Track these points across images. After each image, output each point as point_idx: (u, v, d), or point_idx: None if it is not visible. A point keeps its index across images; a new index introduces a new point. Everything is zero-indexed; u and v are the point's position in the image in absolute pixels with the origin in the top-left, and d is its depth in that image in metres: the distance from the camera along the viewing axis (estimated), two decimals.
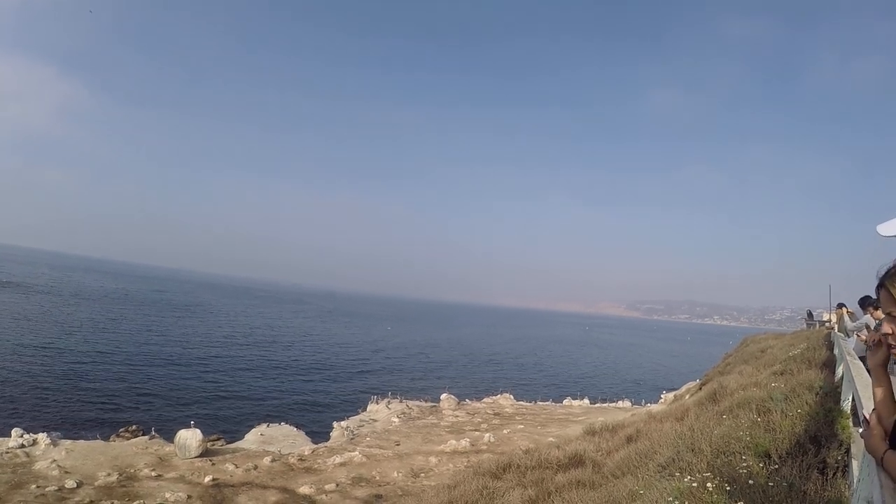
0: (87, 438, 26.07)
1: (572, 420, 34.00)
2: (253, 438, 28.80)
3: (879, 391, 2.40)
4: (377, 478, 22.38)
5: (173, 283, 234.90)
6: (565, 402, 45.30)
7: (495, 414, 36.84)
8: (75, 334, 60.79)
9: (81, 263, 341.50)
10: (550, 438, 25.65)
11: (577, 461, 12.48)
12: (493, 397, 43.53)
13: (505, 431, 30.54)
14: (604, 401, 47.19)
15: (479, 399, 42.98)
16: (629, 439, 13.43)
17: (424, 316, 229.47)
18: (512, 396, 43.93)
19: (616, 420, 20.23)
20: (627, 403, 44.16)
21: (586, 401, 45.56)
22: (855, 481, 3.72)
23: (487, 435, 28.78)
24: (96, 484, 20.08)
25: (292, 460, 24.12)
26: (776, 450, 6.06)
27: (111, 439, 28.19)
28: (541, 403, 43.85)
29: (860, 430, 2.83)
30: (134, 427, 32.06)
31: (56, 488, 19.20)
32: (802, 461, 5.37)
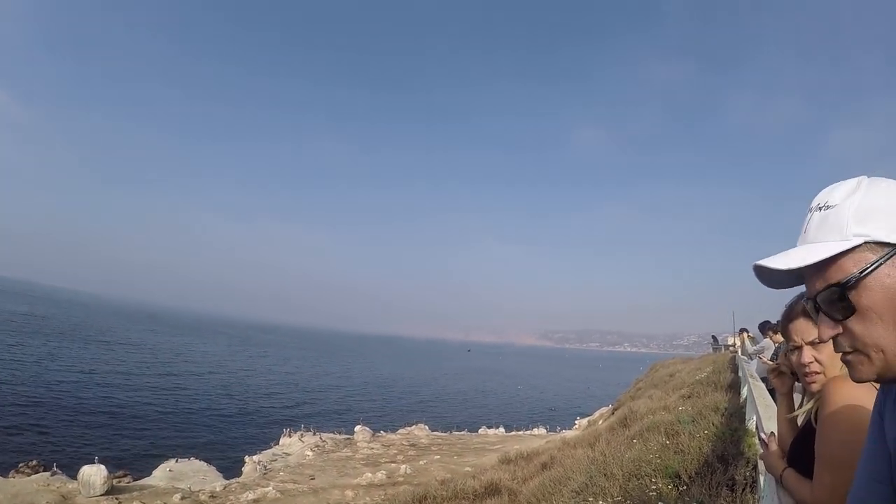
0: None
1: (488, 449, 34.06)
2: (161, 475, 27.25)
3: (782, 416, 2.56)
4: None
5: (76, 306, 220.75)
6: (481, 430, 45.33)
7: (411, 445, 36.45)
8: None
9: None
10: (467, 468, 25.58)
11: (493, 490, 12.48)
12: (409, 428, 43.06)
13: (421, 462, 30.24)
14: (519, 429, 47.49)
15: (394, 430, 42.40)
16: (544, 466, 13.57)
17: (337, 346, 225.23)
18: (427, 427, 43.61)
19: (531, 447, 20.44)
20: (542, 430, 44.64)
21: (502, 429, 45.76)
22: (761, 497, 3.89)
23: (404, 466, 28.39)
24: None
25: (203, 497, 22.92)
26: (685, 470, 6.26)
27: (10, 475, 25.88)
28: (456, 433, 43.70)
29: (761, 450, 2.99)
30: (34, 462, 29.58)
31: None
32: (712, 480, 5.57)
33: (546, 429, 45.48)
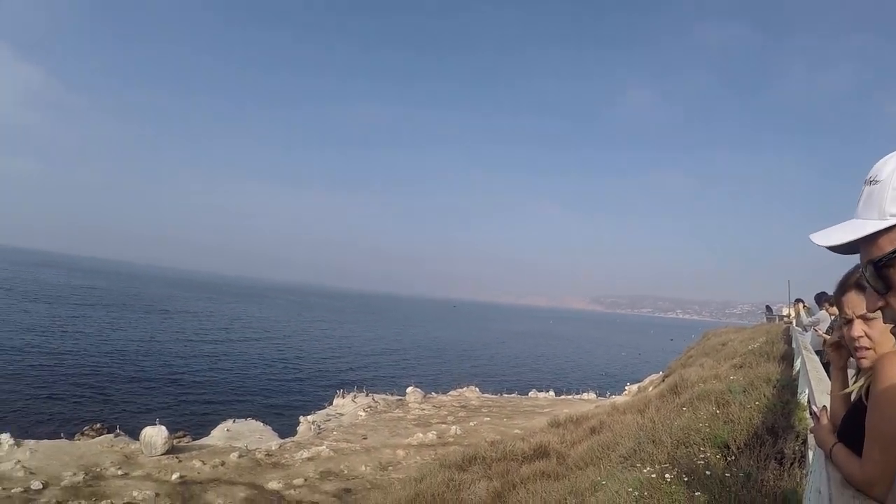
0: (51, 438, 25.26)
1: (538, 412, 34.25)
2: (219, 435, 28.35)
3: (836, 390, 2.51)
4: (345, 472, 22.24)
5: (137, 279, 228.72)
6: (531, 394, 45.58)
7: (461, 406, 36.91)
8: (35, 333, 58.60)
9: (41, 258, 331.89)
10: (516, 430, 25.82)
11: (541, 453, 12.59)
12: (459, 390, 43.57)
13: (471, 424, 30.65)
14: (569, 393, 47.59)
15: (444, 392, 42.95)
16: (593, 431, 13.60)
17: (390, 310, 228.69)
18: (478, 389, 44.03)
19: (580, 412, 20.45)
20: (592, 395, 44.59)
21: (552, 393, 45.92)
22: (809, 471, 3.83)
23: (454, 427, 28.85)
24: (62, 484, 19.43)
25: (259, 456, 23.80)
26: (734, 441, 6.19)
27: (76, 438, 27.27)
28: (507, 396, 44.03)
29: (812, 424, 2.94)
30: (98, 425, 31.17)
31: (22, 489, 18.43)
32: (760, 452, 5.50)
33: (596, 394, 45.41)
